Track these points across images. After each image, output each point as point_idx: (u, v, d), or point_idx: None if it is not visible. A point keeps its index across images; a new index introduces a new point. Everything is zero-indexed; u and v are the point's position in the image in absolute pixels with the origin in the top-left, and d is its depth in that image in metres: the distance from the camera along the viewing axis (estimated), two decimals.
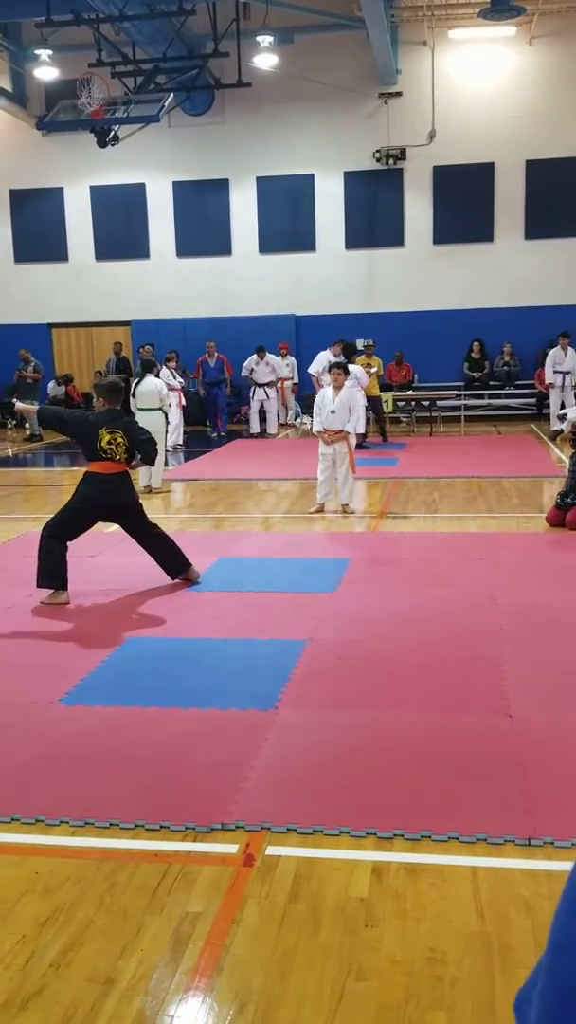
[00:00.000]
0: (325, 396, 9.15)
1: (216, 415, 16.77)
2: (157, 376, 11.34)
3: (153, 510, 9.95)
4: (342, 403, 9.04)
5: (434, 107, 17.72)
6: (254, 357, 16.47)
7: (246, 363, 16.54)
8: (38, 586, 6.34)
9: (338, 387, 9.10)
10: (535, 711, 4.34)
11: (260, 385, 16.46)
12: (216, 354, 16.38)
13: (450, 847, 3.26)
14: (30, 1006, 2.55)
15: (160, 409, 10.82)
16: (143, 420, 10.50)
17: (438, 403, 16.74)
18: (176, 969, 2.69)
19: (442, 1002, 2.54)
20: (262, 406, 16.51)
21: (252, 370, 16.48)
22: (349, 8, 16.42)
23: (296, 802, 3.57)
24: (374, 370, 14.60)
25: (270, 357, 16.63)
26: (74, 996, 2.59)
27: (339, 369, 9.19)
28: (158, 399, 10.76)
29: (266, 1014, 2.51)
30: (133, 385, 10.94)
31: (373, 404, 14.87)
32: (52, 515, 6.73)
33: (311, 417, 9.60)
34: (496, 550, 7.50)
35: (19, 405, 7.95)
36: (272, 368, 16.57)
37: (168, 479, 11.33)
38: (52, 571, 6.31)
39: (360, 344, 15.64)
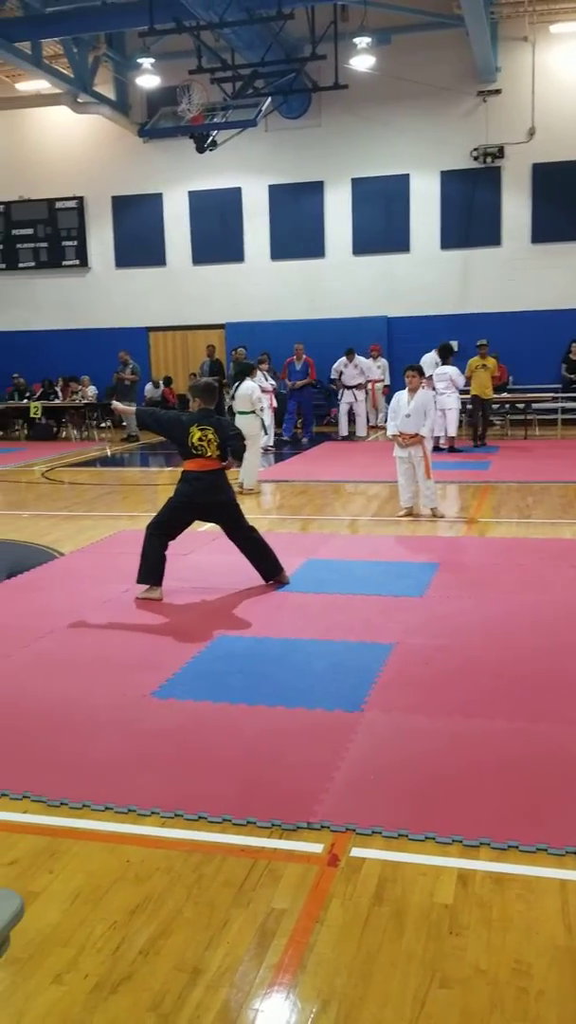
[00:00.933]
0: (401, 399, 9.05)
1: (296, 418, 16.73)
2: (252, 379, 11.48)
3: (244, 510, 10.07)
4: (417, 406, 8.94)
5: (534, 104, 17.44)
6: (343, 359, 16.41)
7: (335, 365, 16.51)
8: (137, 582, 6.51)
9: (413, 390, 9.03)
10: None
11: (349, 387, 16.39)
12: (304, 357, 16.34)
13: (538, 858, 3.22)
14: (120, 990, 2.64)
15: (253, 412, 10.94)
16: (238, 423, 10.72)
17: (533, 405, 16.45)
18: (261, 963, 2.73)
19: (527, 1014, 2.52)
20: (351, 408, 16.44)
21: (340, 372, 16.42)
22: (448, 6, 16.28)
23: (381, 805, 3.58)
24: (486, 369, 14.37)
25: (359, 359, 16.53)
26: (162, 983, 2.66)
27: (413, 371, 9.10)
28: (250, 402, 10.89)
29: (348, 1014, 2.53)
30: (233, 388, 11.14)
31: (483, 406, 14.66)
32: (153, 514, 6.90)
33: (389, 420, 9.57)
34: None
35: (117, 405, 8.17)
36: (361, 370, 16.47)
37: (260, 480, 11.44)
38: (151, 568, 6.50)
39: (457, 344, 15.48)
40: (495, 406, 15.98)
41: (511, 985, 2.63)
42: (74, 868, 3.24)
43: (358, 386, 16.41)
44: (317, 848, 3.32)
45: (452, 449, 14.10)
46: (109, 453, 16.16)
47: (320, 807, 3.57)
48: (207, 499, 6.51)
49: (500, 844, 3.29)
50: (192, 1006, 2.57)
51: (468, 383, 14.59)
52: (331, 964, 2.73)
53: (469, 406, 14.98)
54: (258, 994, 2.61)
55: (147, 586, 6.51)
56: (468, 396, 14.76)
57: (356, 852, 3.29)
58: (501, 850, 3.27)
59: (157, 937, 2.87)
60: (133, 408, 7.76)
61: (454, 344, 15.34)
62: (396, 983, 2.64)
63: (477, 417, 14.90)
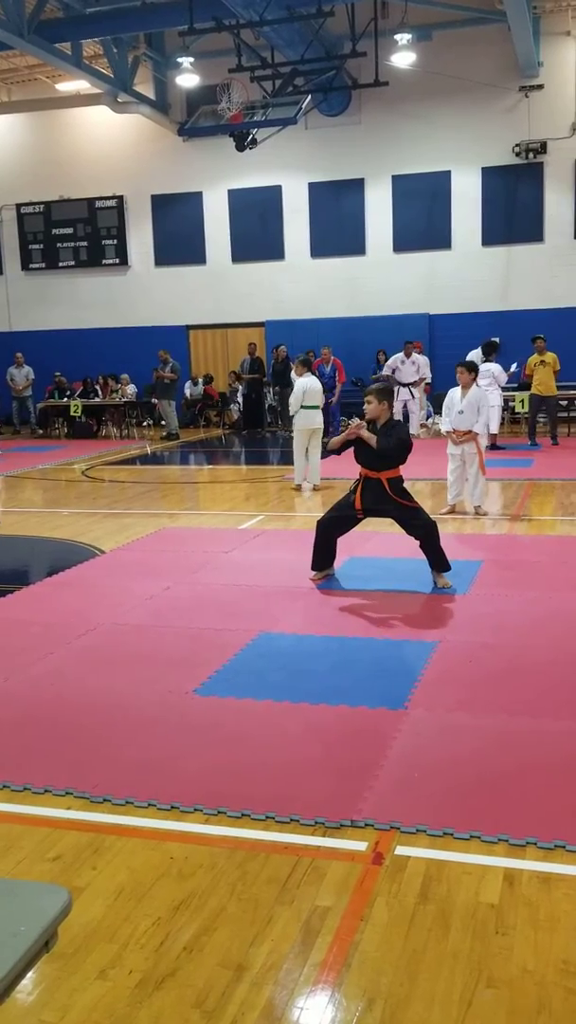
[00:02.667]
0: (454, 396, 9.03)
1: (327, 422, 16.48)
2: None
3: (292, 508, 10.07)
4: (470, 403, 8.90)
5: None
6: (399, 355, 15.91)
7: (389, 362, 16.19)
8: (441, 570, 6.61)
9: (465, 386, 8.96)
10: None
11: (404, 385, 15.82)
12: (332, 359, 15.94)
13: None
14: (164, 986, 2.64)
15: (317, 407, 10.98)
16: (308, 416, 10.75)
17: None
18: (305, 961, 2.72)
19: (575, 1016, 2.48)
20: (405, 406, 15.76)
21: (395, 369, 15.96)
22: (489, 2, 16.13)
23: (426, 803, 3.55)
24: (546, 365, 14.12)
25: (416, 356, 15.99)
26: (206, 980, 2.65)
27: (463, 368, 9.04)
28: (319, 396, 10.97)
29: (394, 1013, 2.51)
30: (293, 383, 11.21)
31: (547, 404, 14.40)
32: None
33: (442, 417, 9.50)
34: None
35: (367, 435, 6.57)
36: (418, 367, 15.93)
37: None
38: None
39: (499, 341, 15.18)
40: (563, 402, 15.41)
41: (559, 986, 2.59)
42: (118, 864, 3.25)
43: (414, 383, 15.93)
44: (361, 846, 3.30)
45: (494, 446, 13.96)
46: (149, 451, 16.25)
47: (364, 805, 3.54)
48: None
49: (547, 844, 3.25)
50: (236, 1003, 2.56)
51: (528, 380, 14.35)
52: (376, 963, 2.70)
53: (512, 404, 14.77)
54: (302, 992, 2.60)
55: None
56: (519, 395, 14.53)
57: (400, 850, 3.26)
58: (548, 850, 3.22)
59: (201, 934, 2.86)
60: (374, 439, 6.53)
61: (497, 340, 15.12)
62: (442, 983, 2.61)
63: (534, 416, 14.62)
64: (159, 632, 5.78)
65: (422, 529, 6.49)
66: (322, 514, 7.00)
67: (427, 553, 6.54)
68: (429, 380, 17.71)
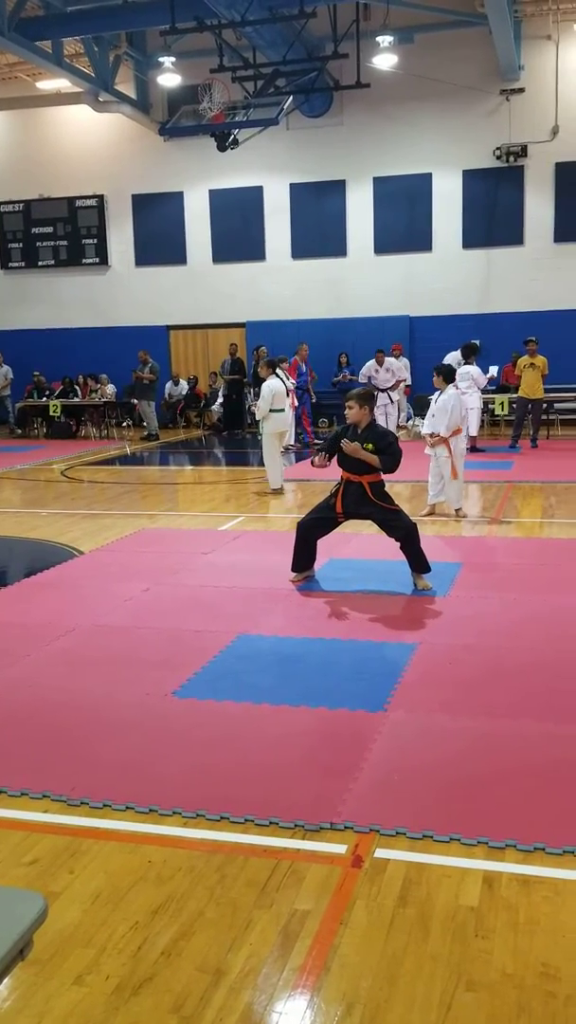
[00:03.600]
0: (433, 399, 9.13)
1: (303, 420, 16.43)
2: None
3: (272, 509, 10.06)
4: (440, 406, 8.96)
5: (558, 102, 17.34)
6: (372, 363, 15.68)
7: (363, 370, 15.84)
8: (421, 572, 6.59)
9: (439, 389, 9.07)
10: None
11: (382, 390, 15.40)
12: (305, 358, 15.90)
13: (565, 861, 3.17)
14: (142, 991, 2.61)
15: (283, 410, 10.94)
16: (279, 420, 10.75)
17: (556, 405, 16.31)
18: (284, 965, 2.70)
19: (554, 1019, 2.47)
20: (384, 410, 15.41)
21: (370, 377, 15.61)
22: (471, 5, 16.19)
23: (405, 806, 3.54)
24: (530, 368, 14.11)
25: (389, 361, 15.86)
26: (184, 985, 2.63)
27: (435, 372, 9.14)
28: (284, 400, 10.93)
29: (373, 1017, 2.49)
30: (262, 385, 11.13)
31: (534, 407, 14.37)
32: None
33: (423, 419, 9.55)
34: None
35: (356, 448, 6.47)
36: (392, 372, 15.74)
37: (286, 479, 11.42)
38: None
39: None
40: (514, 405, 15.67)
41: (538, 989, 2.58)
42: (95, 868, 3.22)
43: (392, 387, 15.71)
44: (341, 849, 3.29)
45: (474, 449, 13.99)
46: (129, 452, 16.18)
47: (344, 808, 3.53)
48: None
49: (526, 846, 3.24)
50: (215, 1008, 2.54)
51: (507, 383, 14.38)
52: (355, 966, 2.69)
53: (514, 405, 14.75)
54: (281, 996, 2.58)
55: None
56: (498, 397, 14.56)
57: (380, 853, 3.25)
58: (527, 852, 3.22)
59: (179, 938, 2.84)
60: (376, 459, 6.47)
61: (477, 343, 15.14)
62: (421, 986, 2.60)
63: (520, 418, 14.64)
64: (138, 634, 5.74)
65: (403, 531, 6.50)
66: (302, 516, 6.99)
67: (407, 555, 6.55)
68: (409, 382, 17.76)
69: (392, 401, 15.83)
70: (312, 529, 6.74)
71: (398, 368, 16.06)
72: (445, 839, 3.31)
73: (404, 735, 4.17)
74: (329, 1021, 2.49)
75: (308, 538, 6.75)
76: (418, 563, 6.54)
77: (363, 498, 6.51)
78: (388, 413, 15.78)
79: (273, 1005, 2.54)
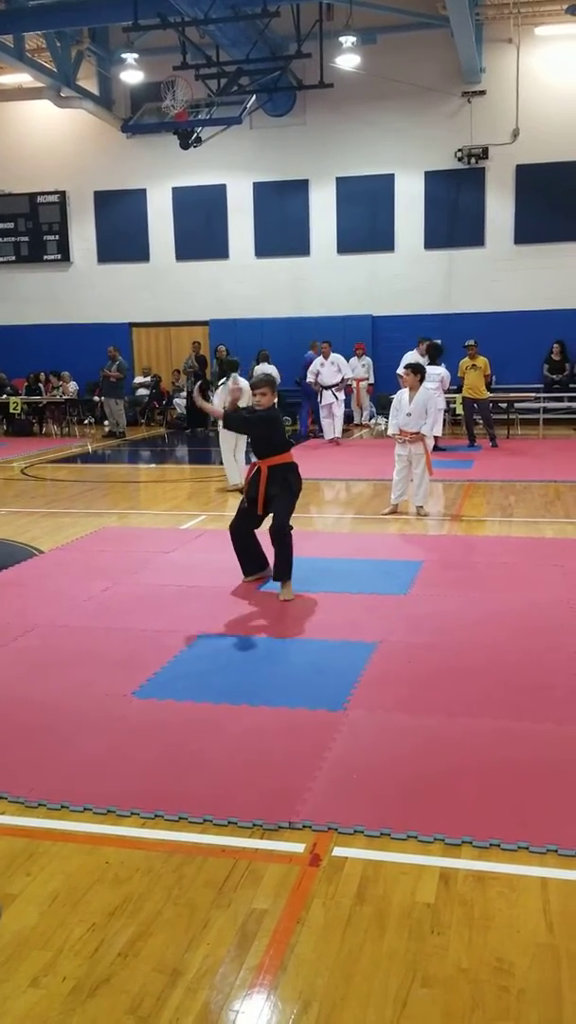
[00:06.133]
0: (403, 398, 9.10)
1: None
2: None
3: (233, 507, 10.04)
4: (418, 405, 8.99)
5: (518, 105, 17.51)
6: (319, 359, 15.38)
7: (311, 367, 15.55)
8: (283, 579, 6.49)
9: (412, 388, 9.04)
10: None
11: (327, 387, 15.26)
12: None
13: (520, 856, 3.21)
14: (98, 993, 2.60)
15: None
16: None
17: (516, 405, 16.49)
18: (241, 965, 2.71)
19: (508, 1013, 2.51)
20: (330, 408, 15.29)
21: (318, 372, 15.35)
22: (433, 7, 16.29)
23: (363, 804, 3.56)
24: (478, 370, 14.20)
25: (335, 356, 15.43)
26: (141, 986, 2.63)
27: (408, 370, 9.15)
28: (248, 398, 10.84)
29: (330, 1015, 2.51)
30: (220, 384, 11.06)
31: (480, 407, 14.47)
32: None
33: (386, 418, 9.56)
34: (574, 556, 7.36)
35: (204, 404, 7.71)
36: (338, 367, 15.36)
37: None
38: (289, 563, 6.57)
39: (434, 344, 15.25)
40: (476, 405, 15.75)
41: (492, 984, 2.62)
42: (52, 870, 3.20)
43: (336, 385, 15.28)
44: (299, 848, 3.30)
45: (436, 448, 14.07)
46: (91, 449, 16.08)
47: (302, 807, 3.54)
48: None
49: (482, 843, 3.28)
50: (171, 1008, 2.54)
51: (460, 384, 14.49)
52: (312, 965, 2.71)
53: (453, 405, 14.92)
54: (238, 996, 2.58)
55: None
56: (459, 397, 14.64)
57: (338, 852, 3.27)
58: (483, 848, 3.26)
59: (136, 939, 2.84)
60: (221, 410, 7.31)
61: (439, 343, 15.22)
62: (378, 983, 2.62)
63: (469, 418, 14.76)
64: (98, 634, 5.72)
65: (276, 527, 6.49)
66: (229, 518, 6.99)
67: (274, 555, 6.55)
68: (372, 381, 17.83)
69: (337, 399, 15.29)
70: (240, 527, 6.75)
71: (343, 364, 15.52)
72: (402, 836, 3.34)
73: (363, 734, 4.20)
74: (285, 1019, 2.50)
75: (242, 538, 6.75)
76: (281, 568, 6.48)
77: (270, 482, 6.54)
78: (335, 413, 15.31)
79: (230, 1004, 2.55)
